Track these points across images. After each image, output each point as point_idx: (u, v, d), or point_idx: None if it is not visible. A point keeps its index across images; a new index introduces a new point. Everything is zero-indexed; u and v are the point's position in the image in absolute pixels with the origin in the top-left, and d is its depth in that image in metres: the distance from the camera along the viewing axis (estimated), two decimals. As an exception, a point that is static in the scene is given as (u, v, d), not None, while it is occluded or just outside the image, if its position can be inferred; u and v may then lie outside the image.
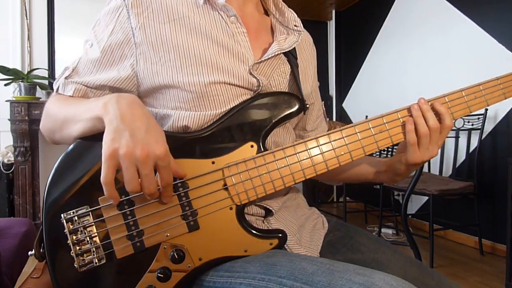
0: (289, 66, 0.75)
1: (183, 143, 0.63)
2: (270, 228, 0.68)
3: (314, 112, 0.89)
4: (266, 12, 0.81)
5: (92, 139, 0.61)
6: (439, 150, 2.86)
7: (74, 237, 0.56)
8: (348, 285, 0.48)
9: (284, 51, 0.72)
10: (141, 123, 0.54)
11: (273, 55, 0.70)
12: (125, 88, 0.69)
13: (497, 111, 2.51)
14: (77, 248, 0.56)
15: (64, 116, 0.64)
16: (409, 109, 0.69)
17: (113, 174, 0.52)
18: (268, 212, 0.70)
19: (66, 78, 0.70)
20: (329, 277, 0.50)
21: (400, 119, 0.69)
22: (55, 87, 0.71)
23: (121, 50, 0.67)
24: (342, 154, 0.66)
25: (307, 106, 0.71)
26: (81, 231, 0.57)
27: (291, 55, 0.75)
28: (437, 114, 0.68)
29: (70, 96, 0.69)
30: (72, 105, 0.65)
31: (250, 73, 0.68)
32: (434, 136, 0.67)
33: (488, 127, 2.56)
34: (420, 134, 0.67)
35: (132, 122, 0.54)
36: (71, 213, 0.57)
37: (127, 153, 0.51)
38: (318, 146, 0.66)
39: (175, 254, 0.57)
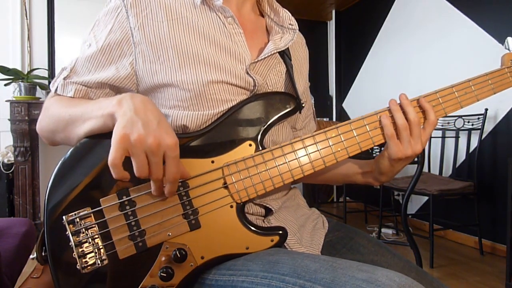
0: (285, 66, 0.76)
1: (182, 143, 0.63)
2: (270, 225, 0.68)
3: (304, 111, 0.89)
4: (261, 14, 0.82)
5: (94, 141, 0.61)
6: (439, 150, 2.87)
7: (76, 238, 0.56)
8: (351, 282, 0.48)
9: (280, 50, 0.73)
10: (153, 116, 0.55)
11: (269, 54, 0.71)
12: (125, 86, 0.69)
13: (497, 111, 2.52)
14: (80, 249, 0.56)
15: (70, 116, 0.64)
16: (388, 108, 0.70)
17: (121, 157, 0.52)
18: (268, 212, 0.71)
19: (64, 78, 0.69)
20: (332, 274, 0.51)
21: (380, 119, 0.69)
22: (53, 88, 0.71)
23: (120, 48, 0.67)
24: (339, 151, 0.67)
25: (303, 105, 0.72)
26: (83, 232, 0.57)
27: (286, 55, 0.76)
28: (422, 111, 0.69)
29: (71, 97, 0.68)
30: (79, 105, 0.64)
31: (247, 73, 0.69)
32: (416, 130, 0.67)
33: (488, 127, 2.56)
34: (398, 127, 0.67)
35: (145, 115, 0.54)
36: (73, 215, 0.57)
37: (139, 139, 0.52)
38: (315, 143, 0.67)
39: (177, 253, 0.57)
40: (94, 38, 0.69)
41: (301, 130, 0.89)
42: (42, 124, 0.71)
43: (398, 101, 0.69)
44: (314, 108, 0.93)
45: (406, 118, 0.67)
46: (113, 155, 0.52)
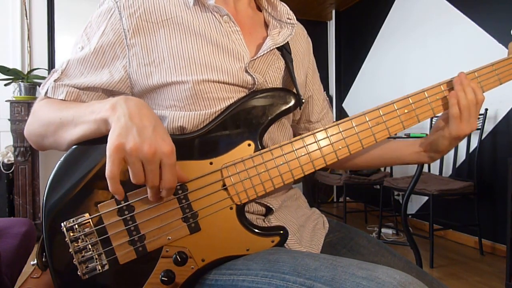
0: (284, 61, 0.74)
1: (180, 145, 0.62)
2: (270, 225, 0.68)
3: (319, 102, 0.89)
4: (259, 8, 0.81)
5: (88, 145, 0.60)
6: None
7: (76, 245, 0.56)
8: (351, 279, 0.48)
9: (278, 45, 0.72)
10: (149, 122, 0.54)
11: (268, 50, 0.70)
12: (119, 90, 0.68)
13: (497, 111, 2.51)
14: (80, 256, 0.56)
15: (60, 120, 0.62)
16: (448, 83, 0.73)
17: (119, 168, 0.51)
18: (269, 211, 0.71)
19: (55, 81, 0.67)
20: (332, 272, 0.50)
21: (444, 91, 0.73)
22: (42, 91, 0.68)
23: (113, 51, 0.66)
24: (340, 148, 0.66)
25: (303, 101, 0.71)
26: (82, 239, 0.56)
27: (285, 50, 0.75)
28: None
29: (62, 100, 0.66)
30: (69, 108, 0.63)
31: (246, 71, 0.68)
32: (473, 109, 0.71)
33: (488, 127, 2.56)
34: (461, 107, 0.70)
35: (140, 121, 0.53)
36: (71, 222, 0.56)
37: (134, 148, 0.51)
38: (315, 141, 0.66)
39: (177, 256, 0.57)
40: (87, 40, 0.68)
41: (318, 123, 0.88)
42: (30, 128, 0.68)
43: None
44: (328, 99, 0.93)
45: (466, 98, 0.70)
46: (110, 167, 0.51)
